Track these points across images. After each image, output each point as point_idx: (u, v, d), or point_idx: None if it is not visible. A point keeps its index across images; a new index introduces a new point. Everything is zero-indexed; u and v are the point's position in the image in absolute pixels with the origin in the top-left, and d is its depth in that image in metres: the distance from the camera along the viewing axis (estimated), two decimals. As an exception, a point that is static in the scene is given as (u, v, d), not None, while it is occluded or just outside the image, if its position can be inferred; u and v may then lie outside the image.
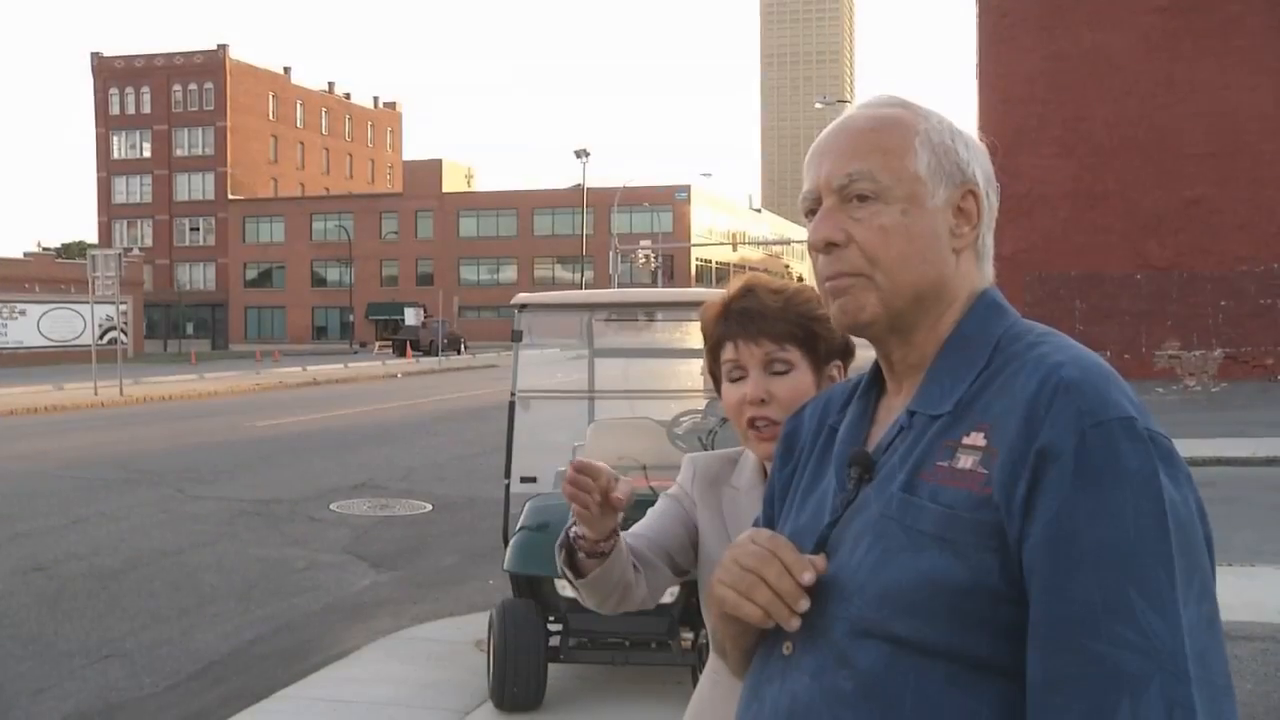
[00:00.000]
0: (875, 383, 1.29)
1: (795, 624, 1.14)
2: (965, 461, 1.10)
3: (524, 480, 5.57)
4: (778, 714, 1.17)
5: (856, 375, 1.35)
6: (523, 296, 5.74)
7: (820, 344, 1.73)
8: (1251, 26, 23.28)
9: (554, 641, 5.08)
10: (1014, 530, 1.06)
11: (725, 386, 1.75)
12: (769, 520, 1.35)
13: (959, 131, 1.24)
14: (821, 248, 1.20)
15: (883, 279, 1.18)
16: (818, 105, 76.78)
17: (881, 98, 1.26)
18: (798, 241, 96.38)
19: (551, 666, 5.05)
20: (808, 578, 1.13)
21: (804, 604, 1.13)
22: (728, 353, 1.73)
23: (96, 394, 25.84)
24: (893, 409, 1.24)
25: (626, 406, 6.64)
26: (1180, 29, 23.54)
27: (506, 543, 5.24)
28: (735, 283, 1.78)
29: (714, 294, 1.80)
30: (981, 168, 1.23)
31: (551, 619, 5.11)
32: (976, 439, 1.10)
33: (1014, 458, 1.06)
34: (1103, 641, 1.00)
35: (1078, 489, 1.03)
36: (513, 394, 5.63)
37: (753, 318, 1.71)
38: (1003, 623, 1.06)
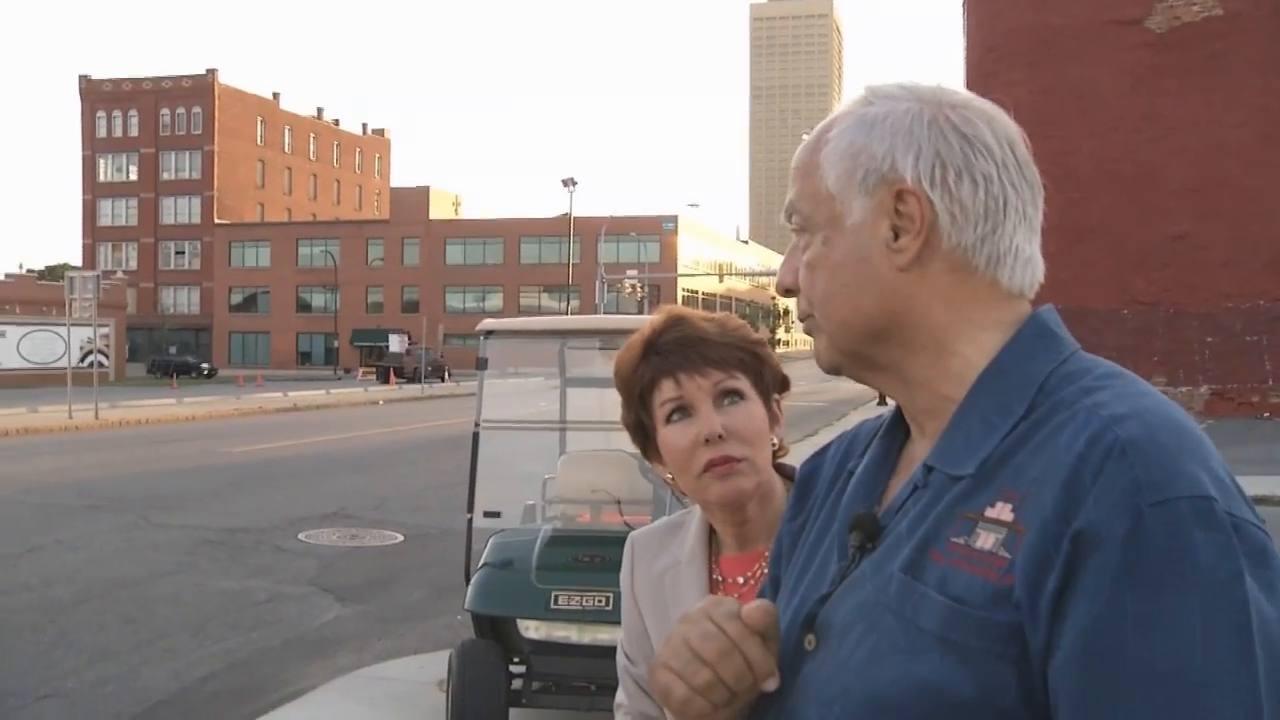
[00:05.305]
0: (901, 421, 1.02)
1: None
2: (985, 540, 0.83)
3: (487, 515, 5.33)
4: None
5: (888, 411, 1.07)
6: (488, 323, 5.53)
7: (765, 369, 1.54)
8: (1235, 64, 23.39)
9: (516, 685, 4.84)
10: (1039, 637, 0.79)
11: (665, 431, 1.50)
12: (774, 581, 1.10)
13: (882, 117, 0.94)
14: (782, 294, 1.05)
15: (821, 320, 0.98)
16: (805, 138, 77.22)
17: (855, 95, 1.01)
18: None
19: (513, 711, 4.80)
20: (771, 685, 0.91)
21: None
22: (666, 391, 1.49)
23: (71, 417, 25.47)
24: (914, 457, 0.98)
25: (601, 438, 6.41)
26: (1165, 65, 23.64)
27: (468, 580, 5.00)
28: (655, 317, 1.55)
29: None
30: (926, 154, 0.92)
31: (514, 660, 4.87)
32: (1002, 511, 0.83)
33: (1045, 540, 0.80)
34: None
35: (1126, 589, 0.76)
36: (476, 424, 5.39)
37: (694, 345, 1.49)
38: None
